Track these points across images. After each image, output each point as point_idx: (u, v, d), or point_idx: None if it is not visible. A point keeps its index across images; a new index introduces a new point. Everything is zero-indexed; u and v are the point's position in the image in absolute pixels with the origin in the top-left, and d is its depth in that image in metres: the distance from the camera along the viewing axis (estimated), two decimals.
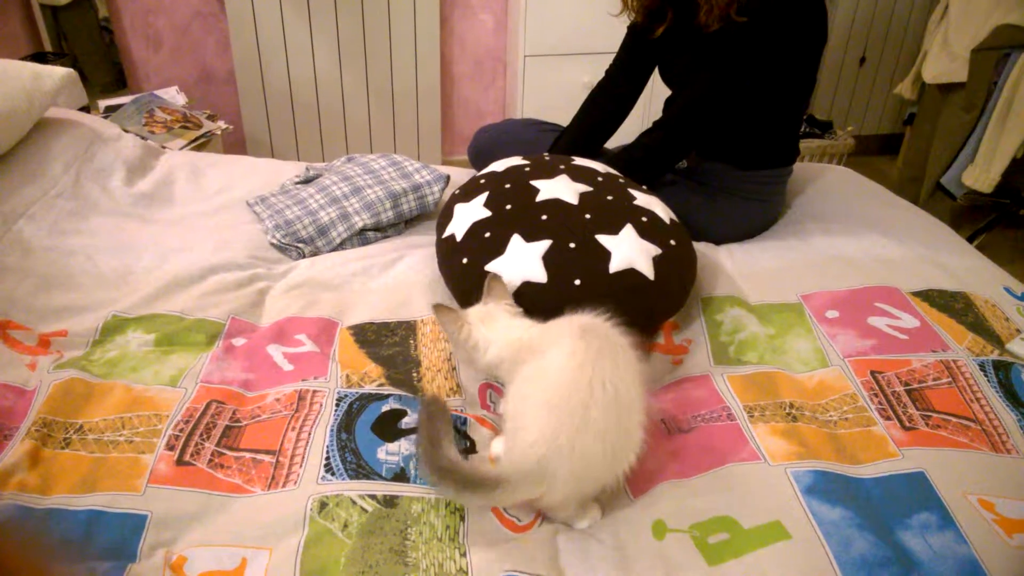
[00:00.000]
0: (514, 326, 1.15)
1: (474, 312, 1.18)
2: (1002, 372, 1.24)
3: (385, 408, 1.16)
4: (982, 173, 2.68)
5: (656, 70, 1.81)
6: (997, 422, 1.16)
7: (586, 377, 0.95)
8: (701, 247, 1.63)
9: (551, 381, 0.97)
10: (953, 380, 1.23)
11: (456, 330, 1.16)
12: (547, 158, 1.54)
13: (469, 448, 1.11)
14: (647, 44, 1.74)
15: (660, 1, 1.65)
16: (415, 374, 1.26)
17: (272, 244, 1.63)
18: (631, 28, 1.79)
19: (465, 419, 1.16)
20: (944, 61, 2.89)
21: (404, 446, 1.09)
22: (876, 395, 1.21)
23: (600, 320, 1.05)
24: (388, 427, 1.13)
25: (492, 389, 1.26)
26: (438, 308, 1.18)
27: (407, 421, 1.14)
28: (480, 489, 0.94)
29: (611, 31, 3.04)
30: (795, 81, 1.61)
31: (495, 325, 1.15)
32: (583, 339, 0.99)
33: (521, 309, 1.21)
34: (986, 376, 1.23)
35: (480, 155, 1.88)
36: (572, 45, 3.08)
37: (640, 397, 1.00)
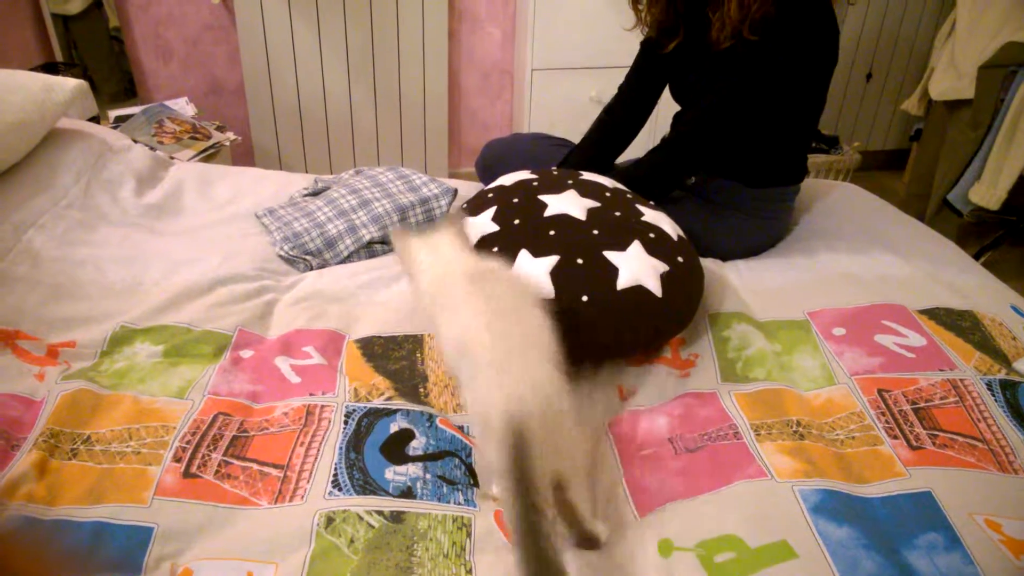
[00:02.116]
0: (447, 260, 1.13)
1: (425, 237, 1.17)
2: (1009, 391, 1.24)
3: (393, 427, 1.16)
4: (989, 190, 2.68)
5: (667, 86, 1.81)
6: (1004, 442, 1.15)
7: (504, 322, 0.97)
8: (708, 263, 1.63)
9: (479, 346, 0.95)
10: (960, 399, 1.22)
11: (405, 252, 1.15)
12: (555, 172, 1.55)
13: (472, 483, 1.10)
14: (659, 60, 1.75)
15: (674, 17, 1.66)
16: (422, 389, 1.26)
17: (280, 256, 1.63)
18: (644, 44, 1.79)
19: (470, 448, 1.15)
20: (951, 78, 2.89)
21: (412, 469, 1.09)
22: (883, 414, 1.21)
23: (487, 264, 1.10)
24: (396, 450, 1.12)
25: None
26: (396, 234, 1.17)
27: (415, 446, 1.14)
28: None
29: (618, 46, 3.07)
30: (805, 101, 1.61)
31: (436, 251, 1.14)
32: (476, 287, 1.03)
33: (470, 242, 1.18)
34: (993, 395, 1.23)
35: (488, 169, 1.89)
36: (579, 59, 3.09)
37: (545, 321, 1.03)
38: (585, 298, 1.26)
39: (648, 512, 1.07)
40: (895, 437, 1.16)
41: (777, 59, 1.50)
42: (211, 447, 1.10)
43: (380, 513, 1.01)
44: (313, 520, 0.99)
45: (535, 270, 1.29)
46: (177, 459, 1.07)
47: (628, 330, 1.28)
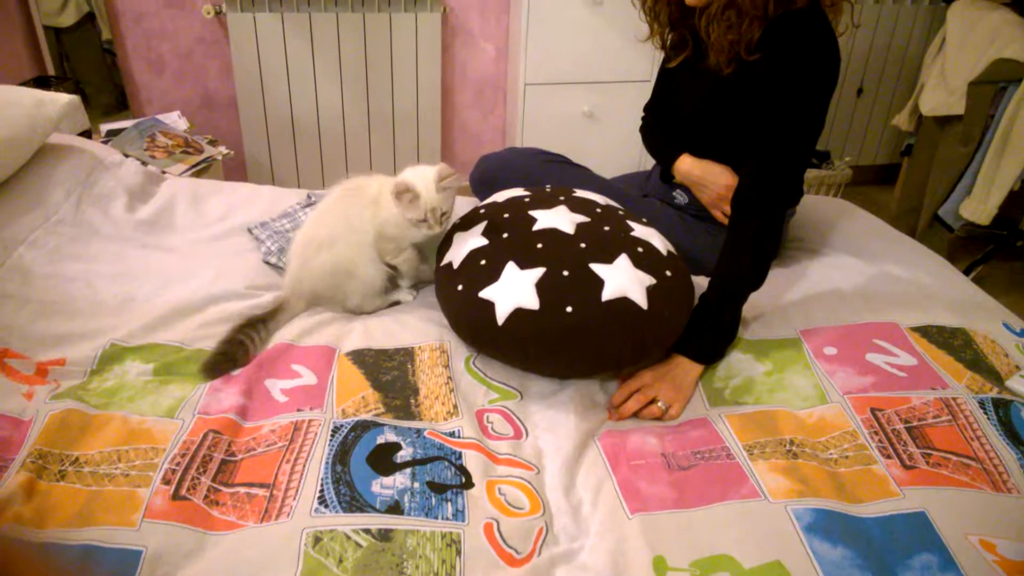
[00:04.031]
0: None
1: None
2: (1002, 410, 1.24)
3: (380, 439, 1.16)
4: (979, 205, 2.70)
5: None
6: (997, 460, 1.15)
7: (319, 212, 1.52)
8: (701, 281, 1.63)
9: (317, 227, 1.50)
10: (953, 418, 1.22)
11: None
12: (548, 189, 1.55)
13: (464, 483, 1.10)
14: (673, 82, 1.75)
15: (683, 34, 1.66)
16: (413, 401, 1.26)
17: (271, 264, 1.63)
18: (662, 66, 1.80)
19: (460, 452, 1.15)
20: (941, 94, 2.91)
21: (399, 480, 1.09)
22: (876, 433, 1.21)
23: (369, 178, 1.50)
24: (383, 460, 1.12)
25: (489, 413, 1.26)
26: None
27: (402, 455, 1.13)
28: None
29: (610, 61, 3.09)
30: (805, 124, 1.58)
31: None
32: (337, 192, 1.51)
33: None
34: (986, 414, 1.23)
35: (483, 183, 1.89)
36: (572, 74, 3.10)
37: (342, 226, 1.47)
38: (569, 308, 1.26)
39: (639, 512, 1.06)
40: (888, 456, 1.16)
41: (780, 80, 1.45)
42: (200, 470, 1.09)
43: (367, 531, 1.00)
44: (300, 539, 0.99)
45: (521, 281, 1.29)
46: (166, 481, 1.06)
47: (613, 341, 1.28)
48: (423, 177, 1.39)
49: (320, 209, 1.53)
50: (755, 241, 1.43)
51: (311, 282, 1.48)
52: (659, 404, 1.29)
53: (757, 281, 1.44)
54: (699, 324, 1.40)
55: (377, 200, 1.46)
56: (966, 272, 2.90)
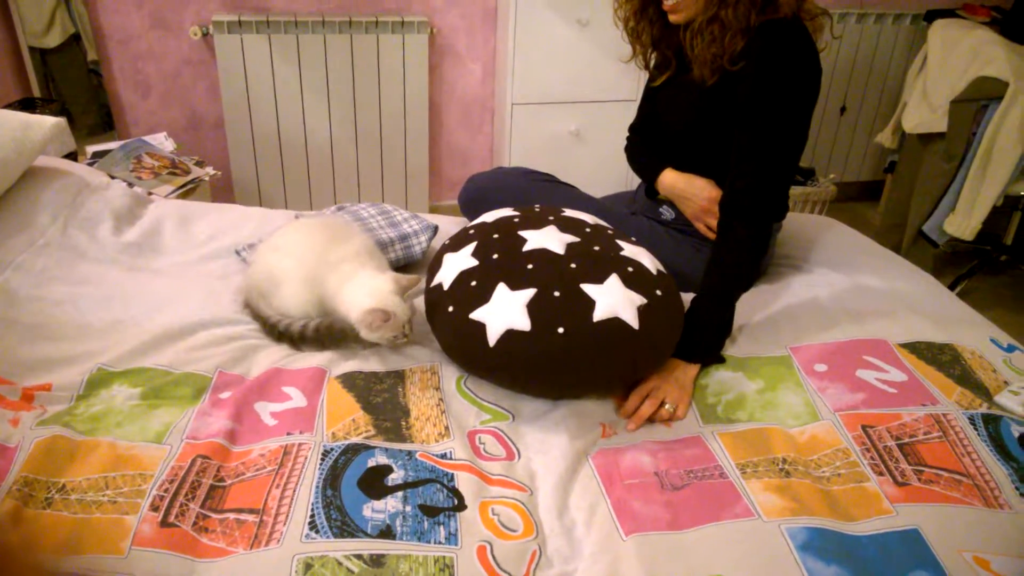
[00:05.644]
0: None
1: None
2: (991, 426, 1.25)
3: (371, 462, 1.15)
4: (963, 221, 2.72)
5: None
6: (989, 476, 1.16)
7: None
8: (690, 298, 1.63)
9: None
10: (944, 434, 1.23)
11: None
12: (537, 209, 1.55)
13: (457, 506, 1.09)
14: (657, 100, 1.77)
15: (665, 54, 1.68)
16: (404, 423, 1.25)
17: None
18: (646, 86, 1.82)
19: (452, 474, 1.14)
20: (924, 112, 2.94)
21: (391, 503, 1.08)
22: (868, 450, 1.21)
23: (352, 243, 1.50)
24: (374, 484, 1.11)
25: (481, 435, 1.25)
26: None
27: (394, 478, 1.12)
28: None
29: (596, 80, 3.11)
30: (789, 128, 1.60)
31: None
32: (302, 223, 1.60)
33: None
34: (976, 430, 1.24)
35: (471, 203, 1.89)
36: (558, 94, 3.12)
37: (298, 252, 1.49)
38: (561, 330, 1.26)
39: (634, 533, 1.06)
40: (881, 474, 1.16)
41: (763, 90, 1.47)
42: (189, 496, 1.07)
43: (359, 557, 0.99)
44: (291, 565, 0.97)
45: (512, 303, 1.29)
46: (154, 508, 1.04)
47: (605, 362, 1.28)
48: (386, 296, 1.38)
49: (298, 225, 1.58)
50: (742, 246, 1.47)
51: (254, 273, 1.53)
52: (667, 407, 1.32)
53: (746, 284, 1.49)
54: (692, 325, 1.43)
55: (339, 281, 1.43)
56: (951, 287, 2.92)
